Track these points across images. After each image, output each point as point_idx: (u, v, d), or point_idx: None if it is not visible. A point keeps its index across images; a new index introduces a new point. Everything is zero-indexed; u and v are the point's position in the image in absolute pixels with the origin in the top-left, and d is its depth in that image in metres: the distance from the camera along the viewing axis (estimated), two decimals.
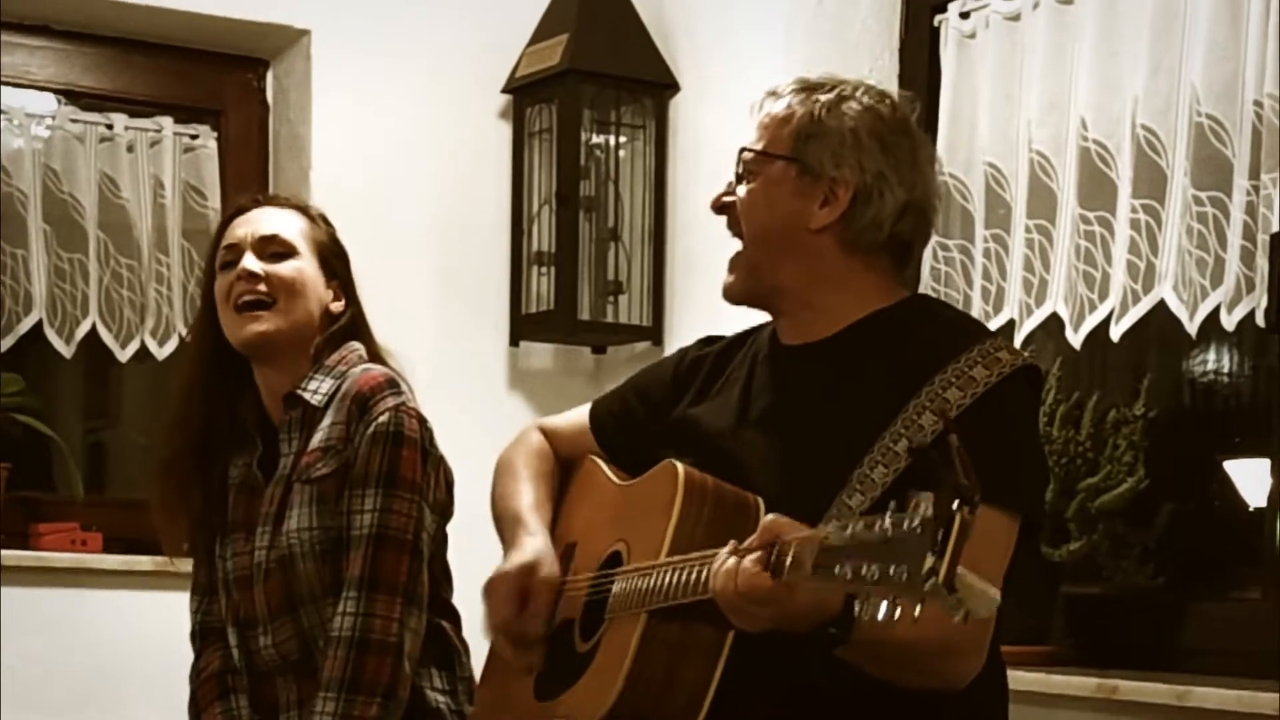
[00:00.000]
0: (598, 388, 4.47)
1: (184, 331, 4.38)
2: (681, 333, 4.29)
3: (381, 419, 2.76)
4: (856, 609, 1.83)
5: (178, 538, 2.99)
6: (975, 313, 3.64)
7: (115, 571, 4.23)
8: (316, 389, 2.84)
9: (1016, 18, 3.65)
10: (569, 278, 4.39)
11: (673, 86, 4.40)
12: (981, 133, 3.69)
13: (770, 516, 2.03)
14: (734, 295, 2.40)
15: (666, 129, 4.43)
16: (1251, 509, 3.46)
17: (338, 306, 2.90)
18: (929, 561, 1.72)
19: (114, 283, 4.51)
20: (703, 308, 4.22)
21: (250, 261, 2.83)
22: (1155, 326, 3.40)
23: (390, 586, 2.73)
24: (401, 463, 2.76)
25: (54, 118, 4.48)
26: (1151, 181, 3.32)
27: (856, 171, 2.32)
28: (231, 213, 2.95)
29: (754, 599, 1.98)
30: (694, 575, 2.13)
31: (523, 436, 2.73)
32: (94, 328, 4.49)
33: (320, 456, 2.79)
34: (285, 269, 2.85)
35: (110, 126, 4.52)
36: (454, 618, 2.92)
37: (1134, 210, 3.34)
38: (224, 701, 2.91)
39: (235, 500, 2.91)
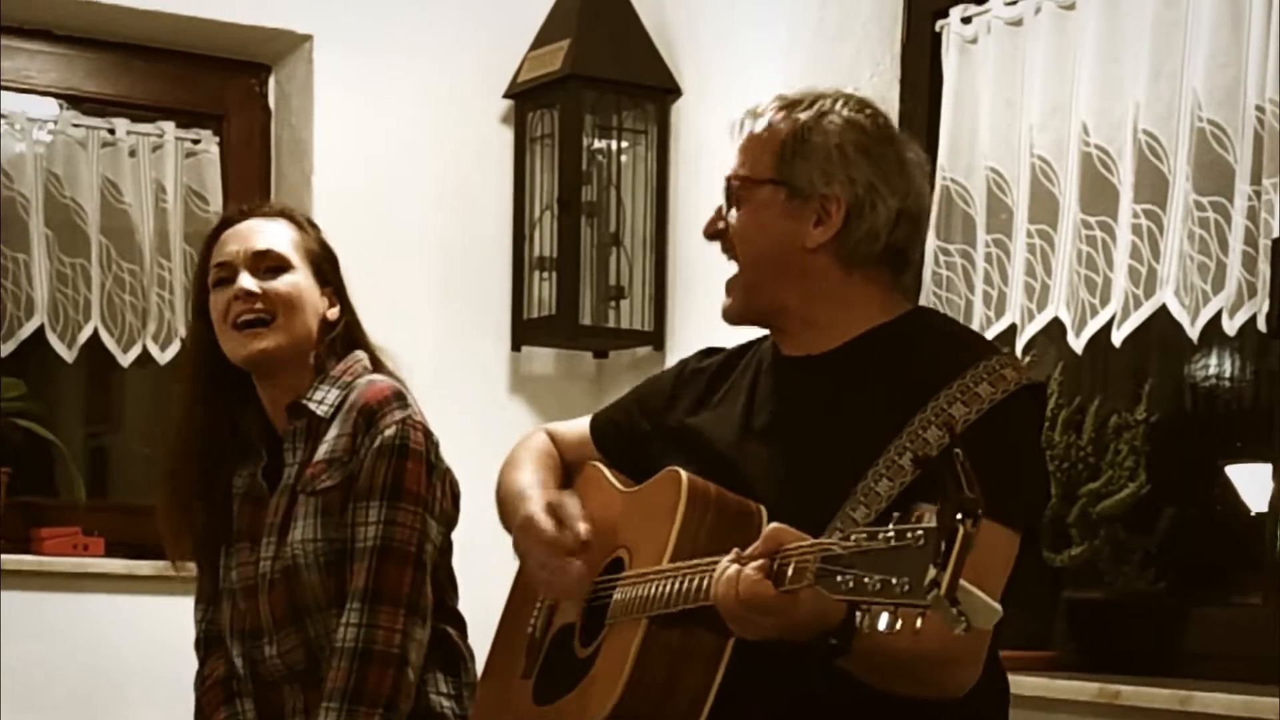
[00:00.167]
0: (599, 393, 4.49)
1: (186, 336, 4.38)
2: (683, 338, 4.29)
3: (388, 432, 2.76)
4: (857, 619, 1.83)
5: (182, 547, 2.99)
6: (977, 318, 3.65)
7: (117, 576, 4.24)
8: (322, 399, 2.84)
9: (1018, 23, 3.65)
10: (570, 283, 4.39)
11: (674, 91, 4.40)
12: (983, 138, 3.70)
13: (773, 525, 2.03)
14: (733, 317, 2.42)
15: (668, 134, 4.43)
16: (1253, 514, 3.46)
17: (333, 313, 2.90)
18: (931, 573, 1.72)
19: (116, 287, 4.52)
20: (704, 313, 4.21)
21: (246, 280, 2.82)
22: (1157, 331, 3.40)
23: (394, 598, 2.73)
24: (406, 476, 2.76)
25: (56, 122, 4.49)
26: (1153, 186, 3.32)
27: (847, 186, 2.31)
28: (218, 226, 2.94)
29: (755, 607, 1.98)
30: (696, 583, 2.14)
31: (529, 436, 2.74)
32: (96, 332, 4.49)
33: (325, 468, 2.79)
34: (282, 285, 2.84)
35: (112, 131, 4.52)
36: (459, 623, 2.93)
37: (1136, 215, 3.34)
38: (229, 706, 2.91)
39: (240, 510, 2.91)
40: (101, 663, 4.22)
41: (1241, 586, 3.52)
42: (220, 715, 2.91)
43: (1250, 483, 3.49)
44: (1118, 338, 3.37)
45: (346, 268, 2.97)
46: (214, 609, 2.98)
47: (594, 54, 4.36)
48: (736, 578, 2.01)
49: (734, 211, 2.37)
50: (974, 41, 3.74)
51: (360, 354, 2.91)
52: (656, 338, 4.43)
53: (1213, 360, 3.54)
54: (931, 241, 3.75)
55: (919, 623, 1.76)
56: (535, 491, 2.54)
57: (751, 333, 2.53)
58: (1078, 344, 3.46)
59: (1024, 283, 3.58)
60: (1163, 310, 3.29)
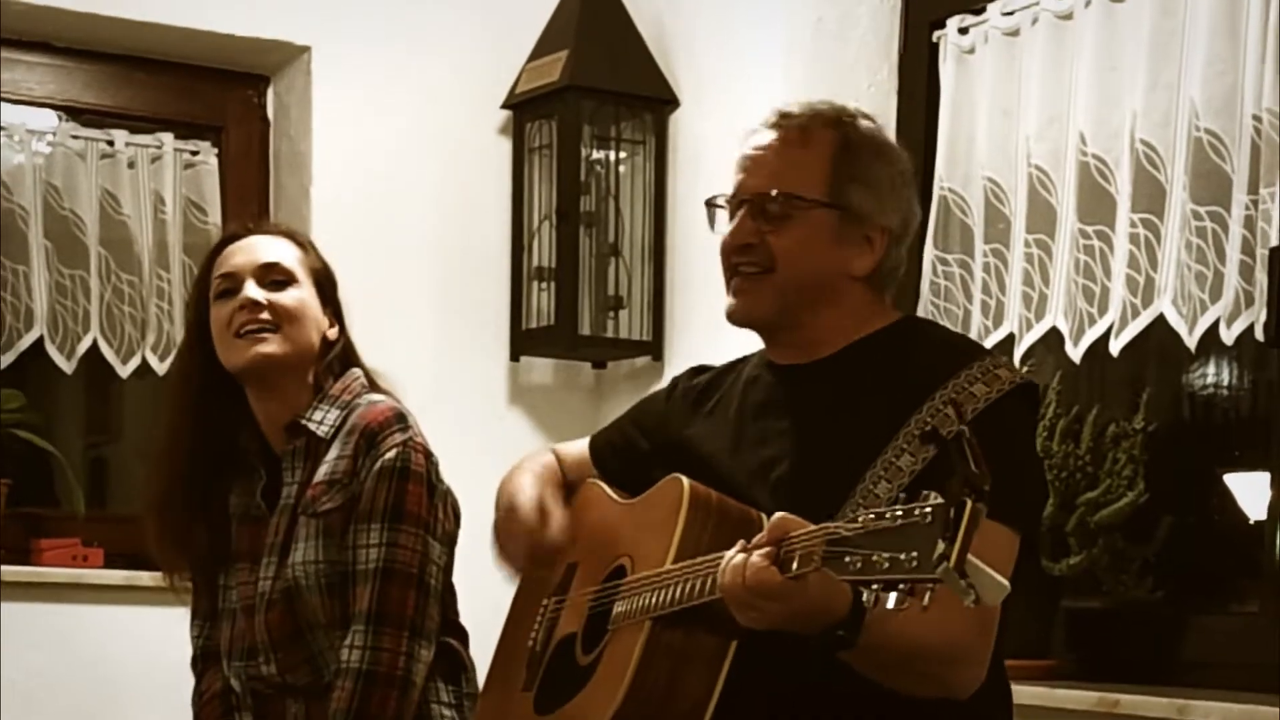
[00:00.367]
0: (598, 403, 4.49)
1: (179, 354, 4.37)
2: (682, 347, 4.29)
3: (389, 455, 2.77)
4: (865, 599, 1.84)
5: (178, 565, 2.98)
6: (975, 327, 3.65)
7: (116, 587, 4.24)
8: (322, 420, 2.84)
9: (1015, 33, 3.66)
10: (569, 293, 4.39)
11: (672, 102, 4.41)
12: (980, 147, 3.70)
13: (779, 515, 2.03)
14: (753, 319, 2.39)
15: (666, 144, 4.43)
16: (1251, 522, 3.46)
17: (333, 333, 2.91)
18: (940, 546, 1.74)
19: (115, 299, 4.52)
20: (703, 322, 4.23)
21: (253, 290, 2.82)
22: (1155, 341, 3.41)
23: (397, 621, 2.74)
24: (408, 498, 2.77)
25: (55, 134, 4.49)
26: (1150, 196, 3.33)
27: (894, 216, 2.36)
28: (222, 241, 2.95)
29: (762, 593, 1.99)
30: (699, 584, 2.15)
31: (531, 454, 2.75)
32: (95, 343, 4.49)
33: (326, 490, 2.79)
34: (287, 297, 2.84)
35: (111, 143, 4.52)
36: (461, 635, 2.93)
37: (1133, 225, 3.34)
38: (228, 719, 2.91)
39: (239, 531, 2.91)
40: (101, 674, 4.22)
41: (1240, 595, 3.52)
42: None
43: (1248, 491, 3.49)
44: (1115, 347, 3.38)
45: (345, 278, 2.97)
46: (211, 627, 2.98)
47: (592, 65, 4.36)
48: (743, 565, 2.01)
49: (777, 231, 2.33)
50: (971, 51, 3.75)
51: (357, 371, 2.92)
52: (655, 348, 4.43)
53: (1210, 369, 3.55)
54: (929, 251, 3.76)
55: (927, 599, 1.77)
56: (525, 487, 2.58)
57: (745, 346, 2.53)
58: (1076, 353, 3.47)
59: (1022, 292, 3.58)
60: (1160, 319, 3.30)
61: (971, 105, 3.74)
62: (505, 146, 4.58)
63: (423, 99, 4.52)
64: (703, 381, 2.56)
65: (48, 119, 4.50)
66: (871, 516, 1.85)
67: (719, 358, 2.61)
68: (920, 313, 3.72)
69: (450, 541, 2.86)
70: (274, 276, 2.85)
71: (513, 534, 2.55)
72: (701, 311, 4.25)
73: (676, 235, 4.41)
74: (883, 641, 2.01)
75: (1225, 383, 3.56)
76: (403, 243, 4.49)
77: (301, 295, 2.86)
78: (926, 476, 2.14)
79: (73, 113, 4.51)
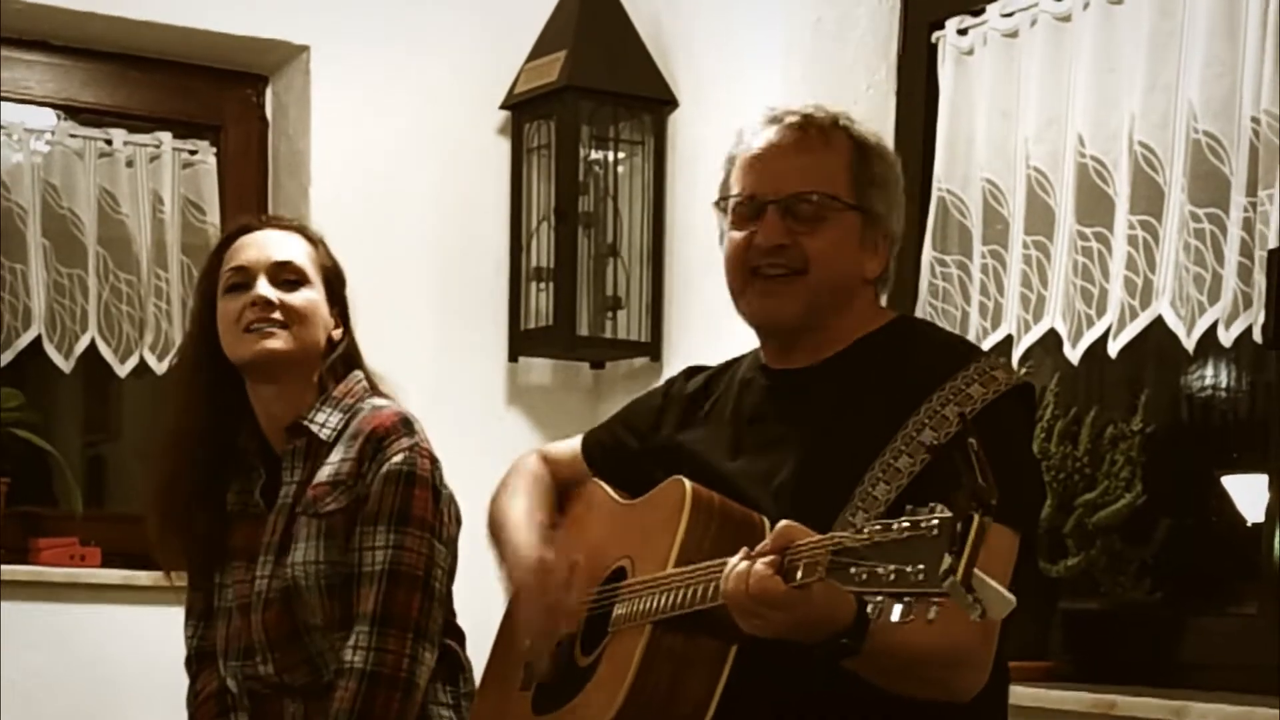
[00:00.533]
0: (597, 403, 4.49)
1: (182, 346, 4.37)
2: (680, 348, 4.29)
3: (396, 459, 2.78)
4: (870, 611, 1.83)
5: (176, 564, 2.99)
6: (973, 328, 3.65)
7: (114, 586, 4.23)
8: (325, 422, 2.85)
9: (1014, 34, 3.66)
10: (568, 293, 4.39)
11: (671, 102, 4.41)
12: (979, 149, 3.70)
13: (784, 523, 2.03)
14: (782, 322, 2.37)
15: (665, 145, 4.43)
16: (1249, 524, 3.46)
17: (338, 333, 2.91)
18: (947, 561, 1.73)
19: (113, 298, 4.52)
20: (701, 323, 4.23)
21: (265, 288, 2.81)
22: (1153, 342, 3.41)
23: (402, 623, 2.75)
24: (414, 502, 2.78)
25: (53, 133, 4.49)
26: (1149, 198, 3.33)
27: (898, 219, 2.39)
28: (232, 233, 2.93)
29: (765, 602, 1.99)
30: (702, 589, 2.15)
31: (520, 461, 2.75)
32: (93, 343, 4.49)
33: (329, 491, 2.80)
34: (299, 299, 2.84)
35: (109, 142, 4.52)
36: (458, 635, 2.94)
37: (1131, 226, 3.35)
38: (224, 719, 2.91)
39: (235, 528, 2.91)
40: (99, 673, 4.22)
41: (1238, 597, 3.52)
42: None
43: (1246, 493, 3.49)
44: (1114, 349, 3.38)
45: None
46: (206, 627, 2.98)
47: (591, 65, 4.36)
48: (747, 573, 2.01)
49: (808, 228, 2.33)
50: (970, 53, 3.75)
51: (358, 374, 2.92)
52: (654, 348, 4.43)
53: (1209, 371, 3.54)
54: (928, 253, 3.76)
55: (932, 613, 1.77)
56: (523, 532, 2.53)
57: (743, 347, 2.53)
58: (1074, 355, 3.47)
59: (1020, 294, 3.58)
60: (1159, 321, 3.30)
61: (970, 106, 3.74)
62: (504, 147, 4.58)
63: (421, 99, 4.52)
64: (698, 384, 2.56)
65: (46, 118, 4.49)
66: (878, 528, 1.84)
67: (717, 358, 2.61)
68: (919, 314, 3.72)
69: (453, 545, 2.86)
70: (286, 275, 2.84)
71: (531, 605, 2.49)
72: (700, 312, 4.25)
73: (675, 236, 4.41)
74: (886, 649, 2.01)
75: (1223, 384, 3.56)
76: (401, 243, 4.48)
77: (312, 296, 2.86)
78: (924, 478, 2.15)
79: (71, 112, 4.51)
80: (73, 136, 4.49)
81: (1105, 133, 3.43)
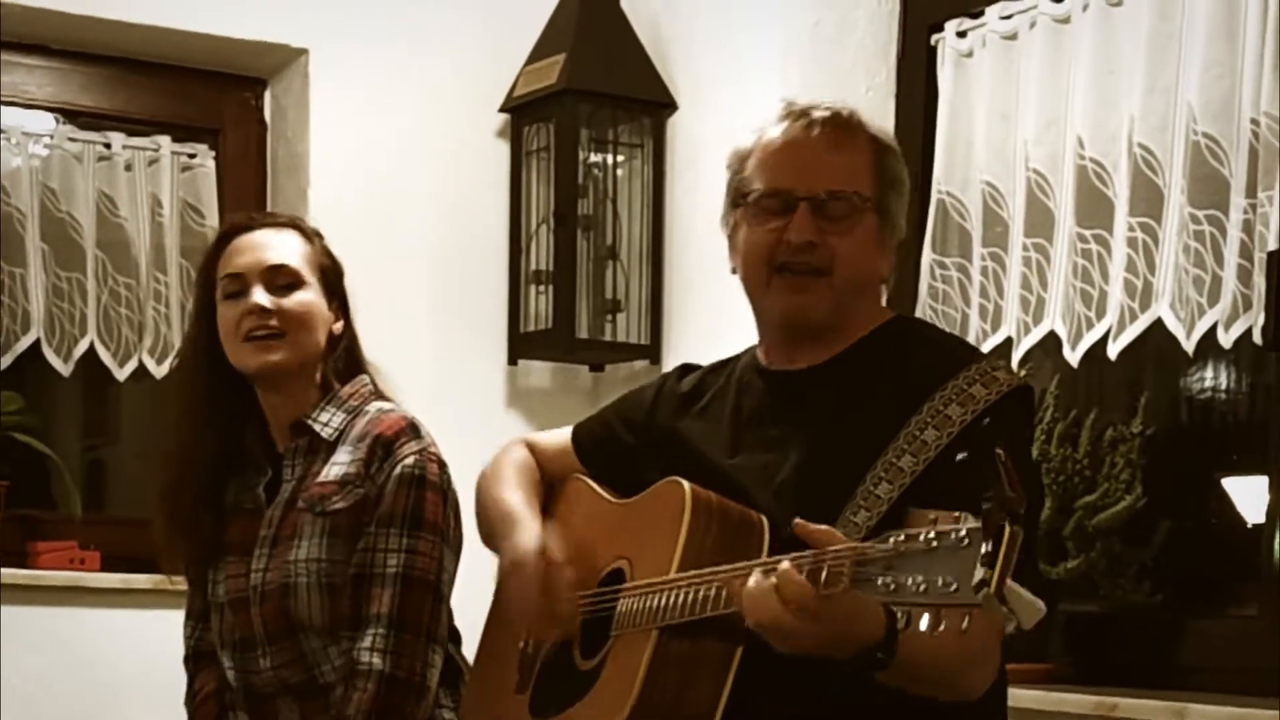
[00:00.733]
0: (596, 405, 4.45)
1: (184, 345, 4.37)
2: (680, 351, 4.29)
3: (407, 461, 2.79)
4: (899, 621, 1.83)
5: (177, 561, 2.99)
6: (973, 330, 3.65)
7: (113, 590, 4.23)
8: (328, 421, 2.85)
9: (1013, 36, 3.66)
10: (567, 296, 4.39)
11: (670, 105, 4.41)
12: (978, 151, 3.70)
13: (821, 528, 2.00)
14: (810, 321, 2.35)
15: (664, 147, 4.43)
16: (1249, 526, 3.46)
17: (338, 327, 2.91)
18: (980, 573, 1.72)
19: (112, 301, 4.52)
20: (700, 325, 4.23)
21: (260, 296, 2.81)
22: (1152, 344, 3.41)
23: (416, 627, 2.76)
24: (426, 506, 2.79)
25: (52, 137, 4.49)
26: (1148, 200, 3.33)
27: (904, 219, 2.39)
28: (226, 233, 2.92)
29: (803, 615, 1.97)
30: (711, 591, 2.14)
31: (507, 449, 2.74)
32: (92, 346, 4.49)
33: (337, 490, 2.80)
34: (295, 302, 2.83)
35: (108, 145, 4.52)
36: (455, 638, 2.93)
37: (1131, 228, 3.35)
38: (222, 719, 2.91)
39: (231, 524, 2.91)
40: (98, 676, 4.21)
41: (1238, 599, 3.51)
42: None
43: (1246, 495, 3.49)
44: (1113, 351, 3.38)
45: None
46: (204, 628, 2.98)
47: (590, 68, 4.36)
48: (776, 587, 1.99)
49: (838, 228, 2.31)
50: (969, 55, 3.75)
51: (365, 378, 2.93)
52: (653, 351, 4.42)
53: (1208, 373, 3.54)
54: (927, 255, 3.76)
55: (965, 623, 1.76)
56: (521, 525, 2.52)
57: (736, 349, 2.53)
58: (1073, 357, 3.47)
59: (1020, 296, 3.58)
60: (1158, 323, 3.30)
61: (969, 109, 3.74)
62: (503, 149, 4.58)
63: (421, 102, 4.52)
64: (692, 381, 2.55)
65: (45, 121, 4.49)
66: (903, 538, 1.83)
67: (715, 360, 2.61)
68: (918, 316, 3.72)
69: (458, 549, 2.87)
70: (281, 280, 2.83)
71: (521, 596, 2.48)
72: (699, 315, 4.25)
73: (674, 239, 4.41)
74: (911, 657, 2.01)
75: (1223, 386, 3.56)
76: (400, 246, 4.48)
77: (309, 298, 2.85)
78: (926, 478, 2.14)
79: (70, 115, 4.51)
80: (71, 140, 4.49)
81: (1105, 135, 3.43)
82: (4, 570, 4.13)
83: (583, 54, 4.36)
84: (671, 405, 2.53)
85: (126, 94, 4.53)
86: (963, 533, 1.76)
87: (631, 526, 2.42)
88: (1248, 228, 3.12)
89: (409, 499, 2.77)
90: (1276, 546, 3.27)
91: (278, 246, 2.87)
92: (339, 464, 2.82)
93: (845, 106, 2.40)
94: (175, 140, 4.58)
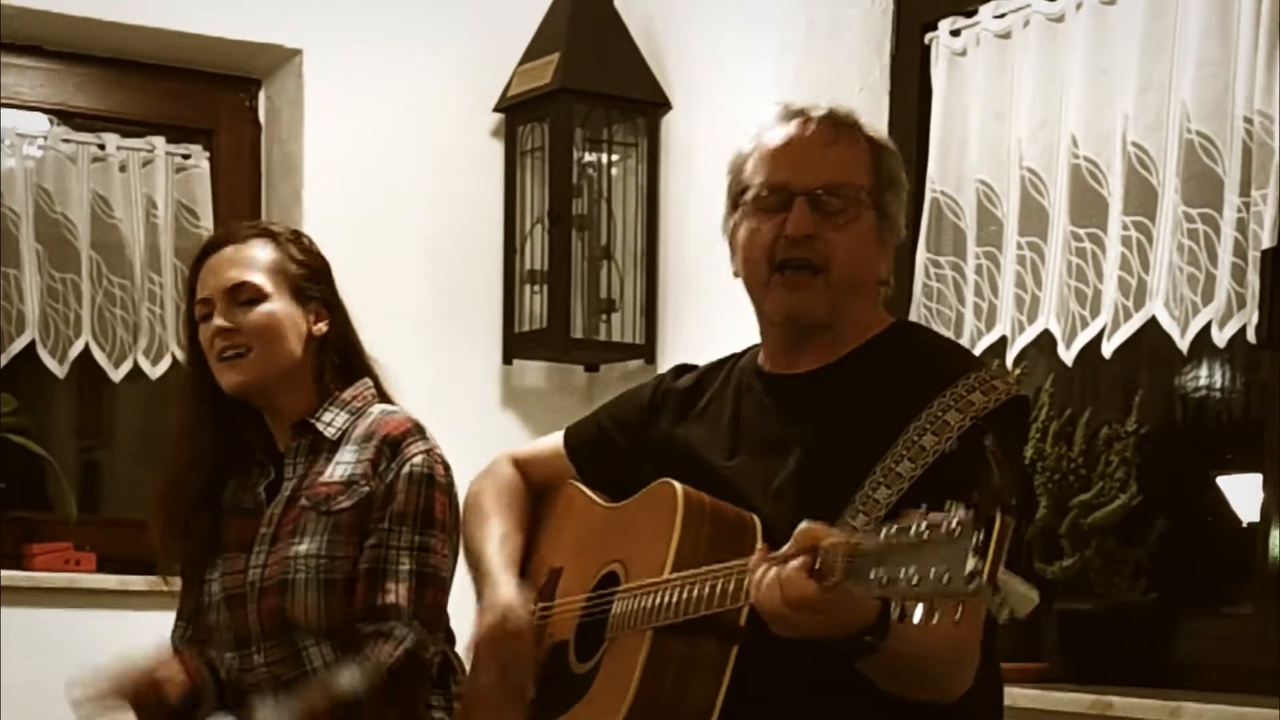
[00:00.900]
0: (590, 405, 4.46)
1: (177, 350, 4.39)
2: (674, 350, 4.29)
3: (415, 461, 2.83)
4: (892, 611, 1.83)
5: (173, 561, 3.00)
6: (967, 330, 3.66)
7: (108, 591, 4.23)
8: (330, 421, 2.89)
9: (1007, 35, 3.66)
10: (561, 296, 4.39)
11: (664, 105, 4.41)
12: (972, 150, 3.70)
13: (805, 524, 2.01)
14: (810, 318, 2.35)
15: (658, 147, 4.43)
16: (1244, 524, 3.47)
17: (321, 327, 2.92)
18: (972, 563, 1.72)
19: (107, 302, 4.52)
20: (695, 325, 4.23)
21: (220, 318, 2.86)
22: (1147, 343, 3.41)
23: (430, 621, 2.81)
24: (435, 504, 2.84)
25: (46, 138, 4.49)
26: (1142, 198, 3.33)
27: (903, 221, 2.39)
28: (200, 254, 2.97)
29: (804, 606, 1.97)
30: (706, 590, 2.15)
31: (490, 470, 2.75)
32: (87, 347, 4.49)
33: (343, 489, 2.83)
34: (256, 316, 2.87)
35: (102, 146, 4.52)
36: (450, 638, 2.94)
37: (1125, 227, 3.35)
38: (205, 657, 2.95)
39: (229, 522, 2.94)
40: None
41: (1232, 597, 3.52)
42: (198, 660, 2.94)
43: (1240, 494, 3.49)
44: (1108, 349, 3.38)
45: (337, 282, 2.98)
46: (194, 628, 2.99)
47: (584, 68, 4.36)
48: (777, 580, 1.99)
49: (835, 223, 2.31)
50: (963, 54, 3.75)
51: (367, 381, 2.96)
52: (648, 350, 4.43)
53: (1203, 371, 3.54)
54: (921, 254, 3.76)
55: (959, 613, 1.76)
56: (487, 587, 2.55)
57: (737, 347, 2.53)
58: (1068, 356, 3.47)
59: (1014, 295, 3.58)
60: (1152, 322, 3.30)
61: (963, 108, 3.74)
62: (497, 149, 4.57)
63: (415, 102, 4.51)
64: (689, 381, 2.55)
65: (39, 123, 4.49)
66: (895, 530, 1.83)
67: (710, 360, 2.60)
68: (913, 316, 3.72)
69: (458, 551, 2.89)
70: (243, 297, 2.88)
71: (493, 651, 2.50)
72: (694, 314, 4.25)
73: (669, 238, 4.41)
74: (900, 649, 2.01)
75: (1217, 385, 3.56)
76: (395, 246, 4.48)
77: (271, 309, 2.88)
78: (925, 483, 2.14)
79: (64, 116, 4.51)
80: (65, 141, 4.49)
81: (1098, 133, 3.43)
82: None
83: (577, 54, 4.36)
84: (668, 406, 2.53)
85: (121, 95, 4.53)
86: (954, 523, 1.76)
87: (624, 529, 2.42)
88: (1242, 226, 3.12)
89: (420, 497, 2.82)
90: (1271, 545, 3.27)
91: (240, 264, 2.90)
92: (343, 463, 2.85)
93: (842, 107, 2.40)
94: (169, 141, 4.57)
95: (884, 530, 1.85)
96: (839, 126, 2.36)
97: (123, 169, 4.53)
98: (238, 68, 4.59)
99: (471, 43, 4.55)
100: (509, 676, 2.45)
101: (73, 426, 4.84)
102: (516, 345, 4.54)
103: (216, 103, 4.63)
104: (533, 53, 4.46)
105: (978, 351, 3.53)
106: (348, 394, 2.92)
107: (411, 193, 4.52)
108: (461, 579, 2.90)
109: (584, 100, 4.38)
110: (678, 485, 2.29)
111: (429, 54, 4.52)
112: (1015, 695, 3.08)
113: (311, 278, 2.94)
